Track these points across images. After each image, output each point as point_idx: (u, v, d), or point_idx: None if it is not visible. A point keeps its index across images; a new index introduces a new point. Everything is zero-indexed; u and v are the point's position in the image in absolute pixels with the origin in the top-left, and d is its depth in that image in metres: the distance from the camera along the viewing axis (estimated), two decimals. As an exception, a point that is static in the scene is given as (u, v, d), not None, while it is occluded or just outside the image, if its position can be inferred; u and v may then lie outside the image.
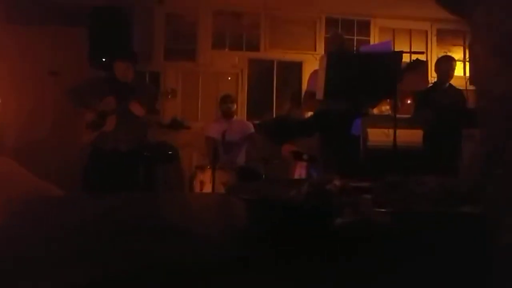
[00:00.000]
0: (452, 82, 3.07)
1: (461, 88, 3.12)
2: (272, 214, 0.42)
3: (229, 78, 4.19)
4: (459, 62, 3.54)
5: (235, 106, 3.53)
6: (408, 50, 4.23)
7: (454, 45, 4.30)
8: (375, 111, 3.79)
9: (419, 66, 2.74)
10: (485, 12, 0.22)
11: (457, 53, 4.17)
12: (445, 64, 3.01)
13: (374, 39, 4.30)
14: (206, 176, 3.14)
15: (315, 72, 2.56)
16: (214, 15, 4.16)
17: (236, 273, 0.29)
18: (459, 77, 3.29)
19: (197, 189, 3.20)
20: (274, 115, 4.18)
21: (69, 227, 0.47)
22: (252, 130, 3.40)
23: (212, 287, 0.27)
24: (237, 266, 0.30)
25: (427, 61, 4.11)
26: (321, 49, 4.18)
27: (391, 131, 2.45)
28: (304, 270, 0.30)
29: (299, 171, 3.06)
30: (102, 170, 2.60)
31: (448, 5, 0.28)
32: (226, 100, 3.41)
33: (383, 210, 0.33)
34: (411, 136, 3.39)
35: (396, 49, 3.91)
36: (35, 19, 3.87)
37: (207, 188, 3.05)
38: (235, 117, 3.50)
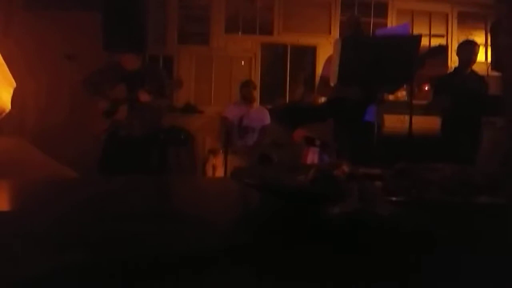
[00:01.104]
0: (473, 67, 2.95)
1: (482, 74, 3.00)
2: (275, 200, 0.41)
3: (243, 63, 4.15)
4: (481, 47, 3.39)
5: (256, 92, 3.54)
6: (428, 34, 4.08)
7: (476, 28, 4.11)
8: (391, 97, 3.70)
9: (441, 52, 2.65)
10: None
11: (479, 37, 3.99)
12: (468, 49, 2.88)
13: (392, 22, 4.16)
14: (218, 160, 3.16)
15: (330, 57, 2.50)
16: (228, -3, 4.09)
17: (234, 261, 0.28)
18: (481, 62, 3.15)
19: (209, 173, 3.23)
20: (287, 100, 4.14)
21: (76, 210, 0.47)
22: (268, 121, 3.41)
23: (209, 276, 0.27)
24: (237, 253, 0.30)
25: (447, 45, 3.96)
26: (336, 33, 4.07)
27: (407, 117, 2.39)
28: (305, 259, 0.29)
29: (311, 157, 3.04)
30: (117, 156, 2.66)
31: None
32: (248, 85, 3.44)
33: (392, 198, 0.32)
34: (428, 123, 3.30)
35: (414, 33, 3.77)
36: (50, 4, 3.90)
37: (220, 173, 3.07)
38: (255, 103, 3.51)
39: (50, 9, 3.90)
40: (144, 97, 2.60)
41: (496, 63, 2.72)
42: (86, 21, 3.81)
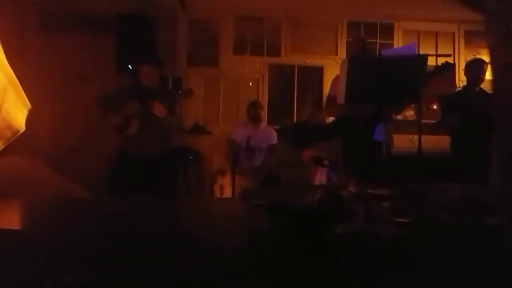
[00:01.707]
0: (482, 86, 2.94)
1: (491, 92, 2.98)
2: (284, 220, 0.41)
3: (250, 84, 4.21)
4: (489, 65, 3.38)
5: (263, 113, 3.57)
6: (434, 53, 4.11)
7: (483, 47, 4.13)
8: (399, 116, 3.68)
9: (448, 70, 2.65)
10: (497, 1, 0.20)
11: (487, 56, 3.99)
12: (476, 67, 2.88)
13: (398, 42, 4.20)
14: (226, 181, 3.16)
15: (338, 77, 2.52)
16: (236, 21, 4.21)
17: (242, 282, 0.28)
18: (489, 80, 3.14)
19: (217, 193, 3.22)
20: (295, 120, 4.16)
21: (83, 230, 0.48)
22: (275, 141, 3.42)
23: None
24: (244, 274, 0.30)
25: (454, 64, 3.97)
26: (342, 54, 4.13)
27: (416, 136, 2.37)
28: (312, 279, 0.28)
29: (320, 177, 3.01)
30: (126, 173, 2.67)
31: None
32: (256, 105, 3.47)
33: (398, 219, 0.32)
34: (438, 143, 3.27)
35: (421, 52, 3.80)
36: (66, 27, 4.06)
37: (227, 193, 3.07)
38: (262, 123, 3.54)
39: (64, 32, 4.05)
40: (158, 109, 2.62)
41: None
42: (98, 44, 3.95)
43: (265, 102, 4.02)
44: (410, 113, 3.87)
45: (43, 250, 0.37)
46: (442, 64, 2.66)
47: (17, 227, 0.52)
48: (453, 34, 4.23)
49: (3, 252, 0.36)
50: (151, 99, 2.67)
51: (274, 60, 4.19)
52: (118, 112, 2.73)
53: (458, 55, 4.18)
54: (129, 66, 3.51)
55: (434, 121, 3.23)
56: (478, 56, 3.43)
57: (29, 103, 1.06)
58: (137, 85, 2.83)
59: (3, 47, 0.81)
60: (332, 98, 2.54)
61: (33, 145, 3.77)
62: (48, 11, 4.06)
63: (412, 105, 3.23)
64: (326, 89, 4.07)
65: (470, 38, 4.20)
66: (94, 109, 2.91)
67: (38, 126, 3.91)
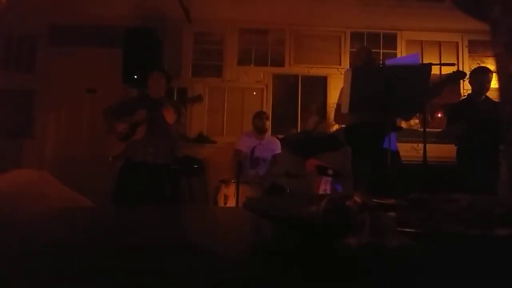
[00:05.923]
0: (488, 94, 2.93)
1: (497, 100, 2.97)
2: (288, 231, 0.41)
3: (254, 93, 4.24)
4: (494, 74, 3.38)
5: (268, 123, 3.60)
6: (438, 63, 4.11)
7: (487, 56, 4.13)
8: (404, 125, 3.67)
9: (460, 77, 2.65)
10: (502, 12, 0.21)
11: (491, 65, 4.00)
12: (481, 76, 2.87)
13: (401, 52, 4.22)
14: (230, 190, 3.15)
15: (346, 85, 2.52)
16: (240, 33, 4.26)
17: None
18: (494, 89, 3.14)
19: (221, 203, 3.21)
20: (299, 130, 4.16)
21: (87, 240, 0.48)
22: (279, 150, 3.44)
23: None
24: (248, 285, 0.29)
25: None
26: (346, 64, 4.15)
27: (421, 145, 2.36)
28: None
29: (324, 187, 3.00)
30: (130, 182, 2.68)
31: (466, 6, 0.26)
32: (261, 116, 3.50)
33: (405, 230, 0.31)
34: (444, 152, 3.24)
35: (424, 62, 3.81)
36: (74, 41, 4.15)
37: (231, 202, 3.05)
38: (267, 133, 3.56)
39: (73, 45, 4.13)
40: (169, 114, 2.62)
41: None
42: (105, 57, 4.01)
43: (269, 111, 4.03)
44: (414, 122, 3.86)
45: (48, 260, 0.37)
46: (454, 72, 2.66)
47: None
48: (457, 43, 4.24)
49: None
50: (158, 108, 2.69)
51: (278, 70, 4.22)
52: (124, 121, 2.76)
53: (462, 65, 4.18)
54: (136, 77, 3.55)
55: (439, 130, 3.21)
56: (482, 65, 3.43)
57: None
58: (144, 96, 2.86)
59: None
60: (341, 107, 2.54)
61: (40, 154, 3.82)
62: (57, 25, 4.15)
63: (417, 114, 3.22)
64: (330, 99, 4.08)
65: (474, 48, 4.21)
66: (100, 119, 2.94)
67: (45, 136, 3.96)
